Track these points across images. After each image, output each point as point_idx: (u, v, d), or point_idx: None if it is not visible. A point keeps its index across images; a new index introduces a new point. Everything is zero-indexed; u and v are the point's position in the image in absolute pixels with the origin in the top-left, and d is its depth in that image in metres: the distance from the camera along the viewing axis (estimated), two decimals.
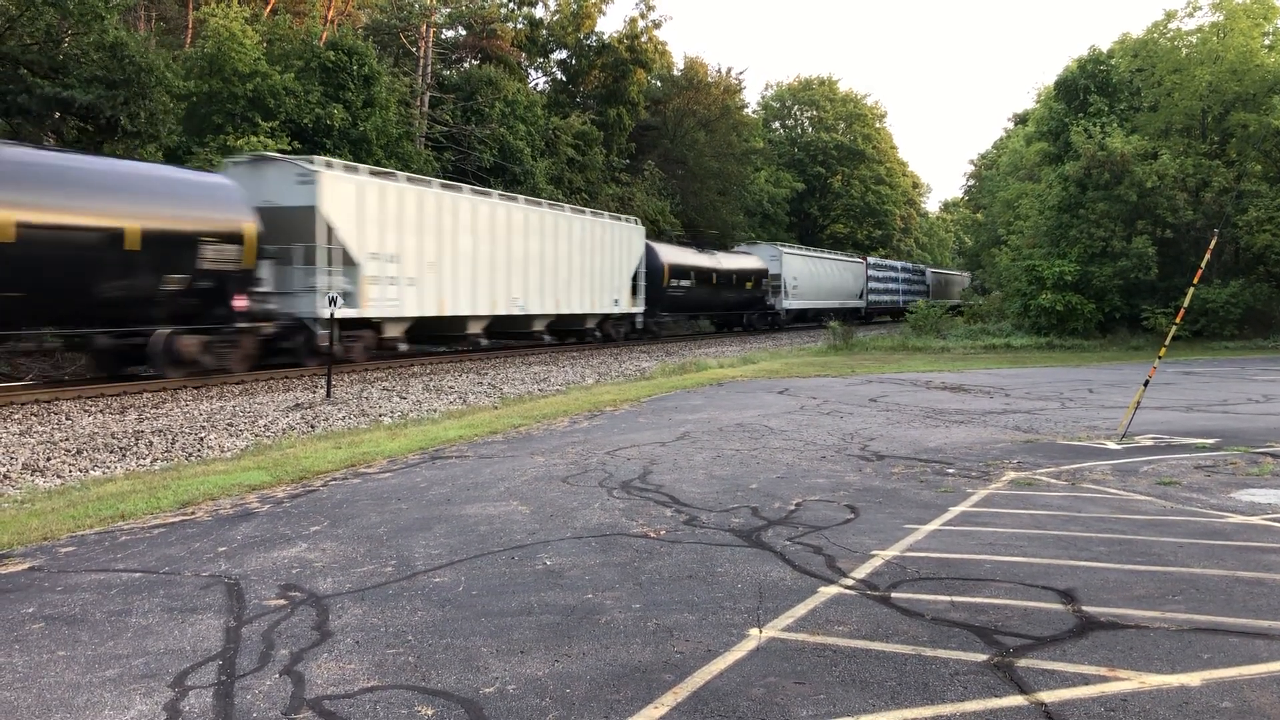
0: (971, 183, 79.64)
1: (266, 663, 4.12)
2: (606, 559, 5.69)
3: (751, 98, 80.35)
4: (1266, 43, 31.18)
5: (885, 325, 53.89)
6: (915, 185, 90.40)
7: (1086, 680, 3.85)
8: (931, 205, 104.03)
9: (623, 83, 47.61)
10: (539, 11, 48.27)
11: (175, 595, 5.06)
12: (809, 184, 69.80)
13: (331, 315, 16.75)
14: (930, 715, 3.56)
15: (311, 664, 4.10)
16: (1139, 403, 10.80)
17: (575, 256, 29.16)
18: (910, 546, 5.91)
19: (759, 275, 43.19)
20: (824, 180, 71.99)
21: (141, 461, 9.99)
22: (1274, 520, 6.60)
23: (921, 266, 72.47)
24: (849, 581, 5.20)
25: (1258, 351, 26.46)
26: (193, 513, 7.06)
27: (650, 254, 34.63)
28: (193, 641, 4.37)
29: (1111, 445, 9.96)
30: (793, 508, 7.02)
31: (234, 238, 17.40)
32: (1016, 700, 3.67)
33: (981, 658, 4.10)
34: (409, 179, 22.77)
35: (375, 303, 20.87)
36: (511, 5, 47.35)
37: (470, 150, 37.22)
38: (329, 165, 20.18)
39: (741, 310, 43.64)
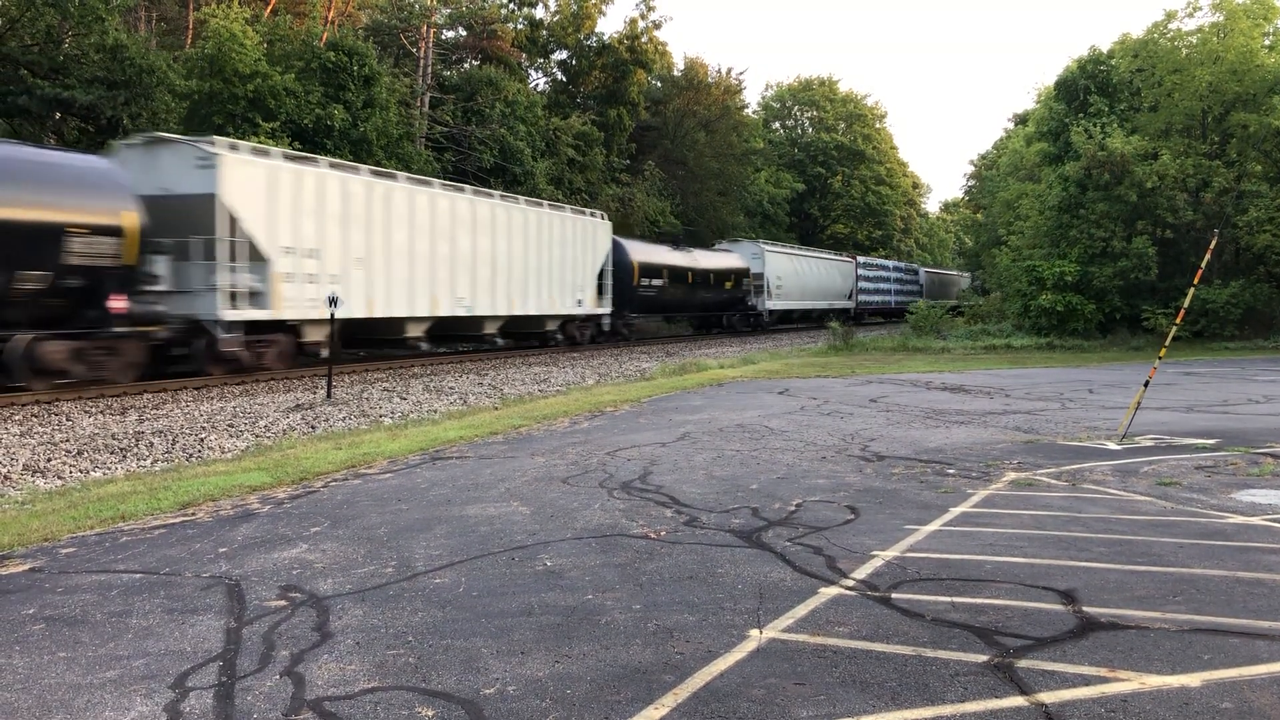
0: (971, 183, 79.58)
1: (267, 664, 4.12)
2: (607, 560, 5.69)
3: (751, 98, 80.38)
4: (1266, 43, 31.16)
5: (879, 326, 53.51)
6: (915, 185, 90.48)
7: (1087, 681, 3.85)
8: (932, 205, 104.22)
9: (623, 83, 47.65)
10: (539, 12, 48.39)
11: (176, 596, 5.06)
12: (809, 184, 69.83)
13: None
14: (931, 716, 3.56)
15: (312, 665, 4.10)
16: (1139, 403, 10.79)
17: (531, 253, 26.81)
18: (911, 547, 5.91)
19: (739, 274, 41.19)
20: (824, 181, 71.99)
21: (142, 462, 9.99)
22: (1274, 521, 6.60)
23: (915, 266, 71.60)
24: (849, 582, 5.20)
25: (1258, 352, 26.45)
26: (193, 514, 7.06)
27: (618, 251, 32.26)
28: (193, 642, 4.37)
29: (1112, 446, 9.95)
30: (793, 508, 7.02)
31: (110, 230, 15.15)
32: (1017, 701, 3.67)
33: (982, 658, 4.10)
34: (331, 164, 20.46)
35: (292, 303, 18.58)
36: (512, 6, 47.42)
37: (470, 151, 37.24)
38: (233, 147, 17.98)
39: (720, 311, 41.48)
